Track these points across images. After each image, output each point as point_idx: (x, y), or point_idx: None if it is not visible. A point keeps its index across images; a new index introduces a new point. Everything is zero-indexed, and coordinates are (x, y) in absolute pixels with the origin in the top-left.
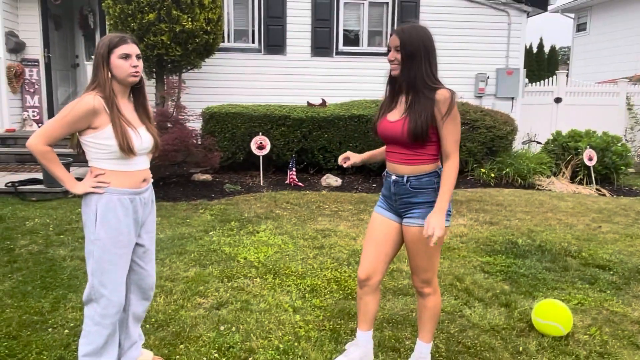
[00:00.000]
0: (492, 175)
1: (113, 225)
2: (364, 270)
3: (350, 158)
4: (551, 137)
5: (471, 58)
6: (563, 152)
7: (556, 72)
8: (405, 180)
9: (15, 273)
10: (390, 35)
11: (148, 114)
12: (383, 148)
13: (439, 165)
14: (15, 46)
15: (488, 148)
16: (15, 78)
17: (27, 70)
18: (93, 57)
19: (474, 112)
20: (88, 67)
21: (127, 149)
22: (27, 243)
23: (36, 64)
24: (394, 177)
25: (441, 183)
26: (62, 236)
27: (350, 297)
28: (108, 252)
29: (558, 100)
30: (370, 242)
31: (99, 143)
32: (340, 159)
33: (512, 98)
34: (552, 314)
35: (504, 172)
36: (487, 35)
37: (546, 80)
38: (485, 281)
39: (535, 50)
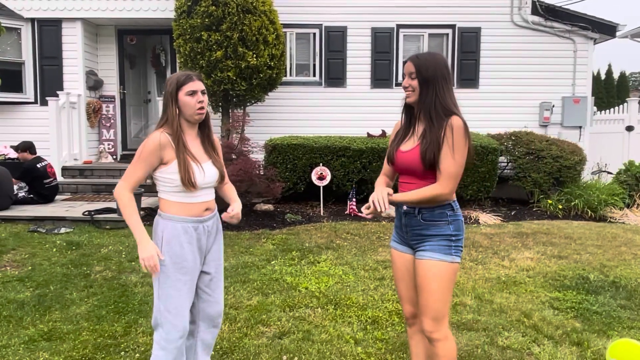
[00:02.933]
0: (560, 206)
1: (177, 252)
2: (406, 309)
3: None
4: (623, 167)
5: (535, 87)
6: (637, 182)
7: (627, 99)
8: (417, 212)
9: (91, 297)
10: (404, 62)
11: (214, 146)
12: (384, 182)
13: (453, 198)
14: (95, 84)
15: (555, 179)
16: (94, 113)
17: (104, 105)
18: (163, 93)
19: (539, 141)
20: (159, 102)
21: (188, 183)
22: (102, 269)
23: (112, 100)
24: (405, 207)
25: (412, 192)
26: (133, 263)
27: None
28: (172, 278)
29: (630, 128)
30: (399, 280)
31: (166, 177)
32: (380, 203)
33: (580, 127)
34: (629, 354)
35: (573, 203)
36: (552, 64)
37: (616, 107)
38: (554, 318)
39: (603, 76)
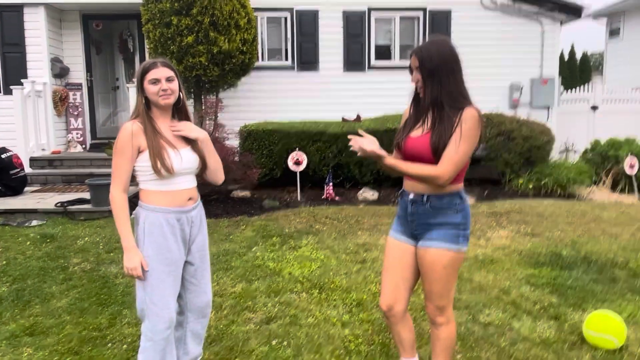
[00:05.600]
0: (531, 185)
1: (159, 242)
2: (384, 301)
3: (376, 150)
4: (589, 146)
5: (504, 68)
6: (602, 161)
7: (591, 79)
8: (425, 199)
9: (71, 290)
10: (410, 56)
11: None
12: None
13: (461, 186)
14: (60, 71)
15: (525, 159)
16: (60, 102)
17: (71, 93)
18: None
19: (509, 122)
20: (128, 89)
21: (162, 168)
22: (80, 261)
23: (79, 87)
24: (412, 195)
25: (409, 165)
26: (112, 254)
27: None
28: (155, 269)
29: (595, 107)
30: (388, 270)
31: (141, 165)
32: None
33: (548, 107)
34: (605, 326)
35: (543, 182)
36: (520, 45)
37: (581, 87)
38: (532, 294)
39: (566, 57)
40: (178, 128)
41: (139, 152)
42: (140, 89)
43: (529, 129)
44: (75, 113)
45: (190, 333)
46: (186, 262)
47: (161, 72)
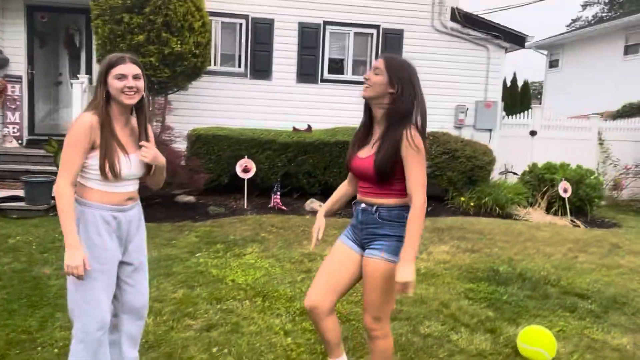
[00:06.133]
0: (472, 204)
1: (94, 240)
2: (309, 300)
3: (321, 227)
4: (527, 169)
5: (452, 90)
6: (539, 183)
7: (531, 105)
8: (374, 209)
9: (0, 291)
10: (377, 58)
11: (147, 137)
12: (340, 191)
13: (408, 201)
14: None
15: (468, 177)
16: None
17: (9, 86)
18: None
19: (454, 142)
20: (71, 85)
21: (109, 172)
22: (10, 261)
23: (19, 80)
24: (363, 205)
25: (406, 232)
26: (45, 255)
27: (340, 320)
28: (89, 268)
29: (533, 133)
30: (325, 270)
31: (89, 163)
32: (314, 235)
33: (490, 130)
34: (537, 340)
35: (483, 201)
36: (467, 69)
37: (523, 113)
38: (470, 307)
39: (509, 84)
40: (145, 154)
41: (92, 147)
42: (103, 82)
43: (473, 149)
44: (13, 107)
45: (126, 336)
46: (123, 262)
47: (129, 68)
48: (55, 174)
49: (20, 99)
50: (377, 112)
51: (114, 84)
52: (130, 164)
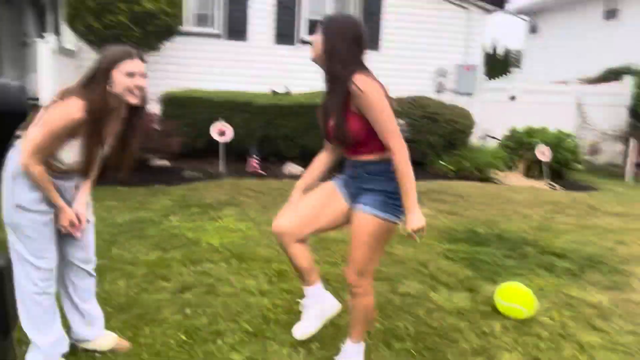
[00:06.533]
0: (451, 168)
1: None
2: (278, 225)
3: (297, 198)
4: (507, 134)
5: (431, 52)
6: (518, 147)
7: (510, 71)
8: (358, 166)
9: None
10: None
11: (134, 137)
12: (319, 161)
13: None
14: None
15: (447, 141)
16: None
17: None
18: (96, 60)
19: (434, 105)
20: (39, 46)
21: (80, 170)
22: None
23: None
24: (351, 162)
25: (400, 183)
26: None
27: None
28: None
29: (513, 98)
30: (306, 201)
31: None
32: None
33: (470, 94)
34: (515, 297)
35: (462, 165)
36: (447, 31)
37: (503, 77)
38: (449, 267)
39: (490, 51)
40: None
41: (68, 137)
42: (105, 76)
43: (453, 113)
44: None
45: (74, 289)
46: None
47: (138, 65)
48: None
49: None
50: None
51: (121, 81)
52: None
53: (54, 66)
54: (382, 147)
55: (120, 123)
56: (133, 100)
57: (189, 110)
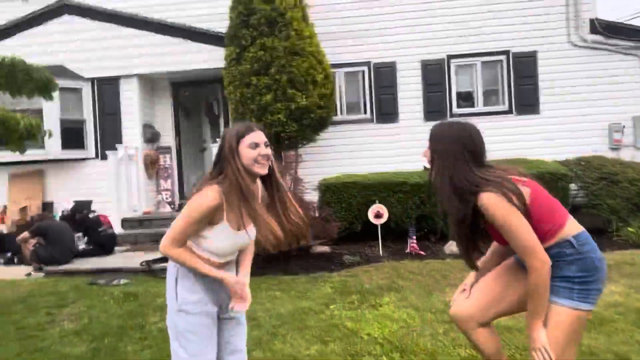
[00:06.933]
0: None
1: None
2: (457, 309)
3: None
4: None
5: (601, 107)
6: None
7: None
8: None
9: (145, 350)
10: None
11: (284, 205)
12: (492, 251)
13: (568, 233)
14: (152, 136)
15: (634, 204)
16: (151, 164)
17: (161, 157)
18: (218, 144)
19: (611, 165)
20: (213, 149)
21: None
22: (157, 320)
23: (169, 150)
24: None
25: (529, 300)
26: None
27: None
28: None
29: None
30: (487, 279)
31: (206, 235)
32: (457, 294)
33: None
34: None
35: None
36: (618, 82)
37: None
38: None
39: None
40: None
41: (210, 223)
42: (232, 154)
43: (636, 171)
44: (165, 175)
45: None
46: (220, 318)
47: (259, 136)
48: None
49: (170, 167)
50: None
51: (247, 154)
52: (247, 236)
53: None
54: (548, 234)
55: (265, 203)
56: (261, 170)
57: (344, 195)
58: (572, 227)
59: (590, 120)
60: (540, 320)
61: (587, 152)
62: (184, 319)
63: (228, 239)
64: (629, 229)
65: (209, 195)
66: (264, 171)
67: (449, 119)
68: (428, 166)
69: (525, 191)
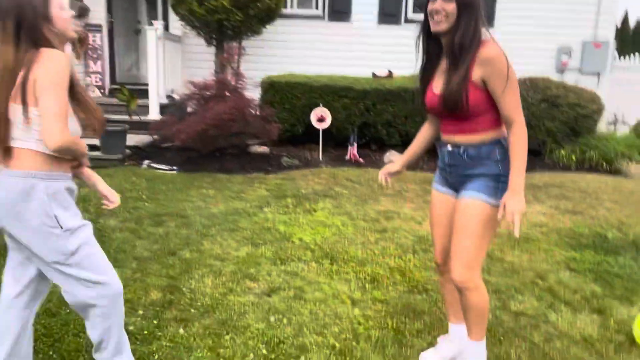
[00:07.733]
0: (574, 158)
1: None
2: (439, 254)
3: (392, 169)
4: None
5: (553, 28)
6: None
7: None
8: (462, 150)
9: None
10: None
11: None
12: (422, 136)
13: (502, 133)
14: (80, 11)
15: (570, 128)
16: (79, 44)
17: (90, 35)
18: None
19: (555, 87)
20: (148, 33)
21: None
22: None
23: (99, 29)
24: (449, 147)
25: (511, 158)
26: None
27: (416, 290)
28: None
29: None
30: (434, 224)
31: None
32: (381, 175)
33: (598, 74)
34: None
35: (587, 155)
36: (573, 3)
37: (637, 55)
38: (572, 280)
39: (619, 25)
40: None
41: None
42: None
43: (577, 96)
44: (95, 56)
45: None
46: None
47: None
48: (130, 122)
49: (101, 48)
50: (449, 42)
51: (60, 16)
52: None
53: (160, 51)
54: (490, 126)
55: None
56: (74, 35)
57: (288, 95)
58: (504, 129)
59: (540, 39)
60: (523, 180)
61: (534, 72)
62: (75, 238)
63: None
64: (562, 151)
65: (62, 55)
66: (75, 35)
67: None
68: (378, 73)
69: None
